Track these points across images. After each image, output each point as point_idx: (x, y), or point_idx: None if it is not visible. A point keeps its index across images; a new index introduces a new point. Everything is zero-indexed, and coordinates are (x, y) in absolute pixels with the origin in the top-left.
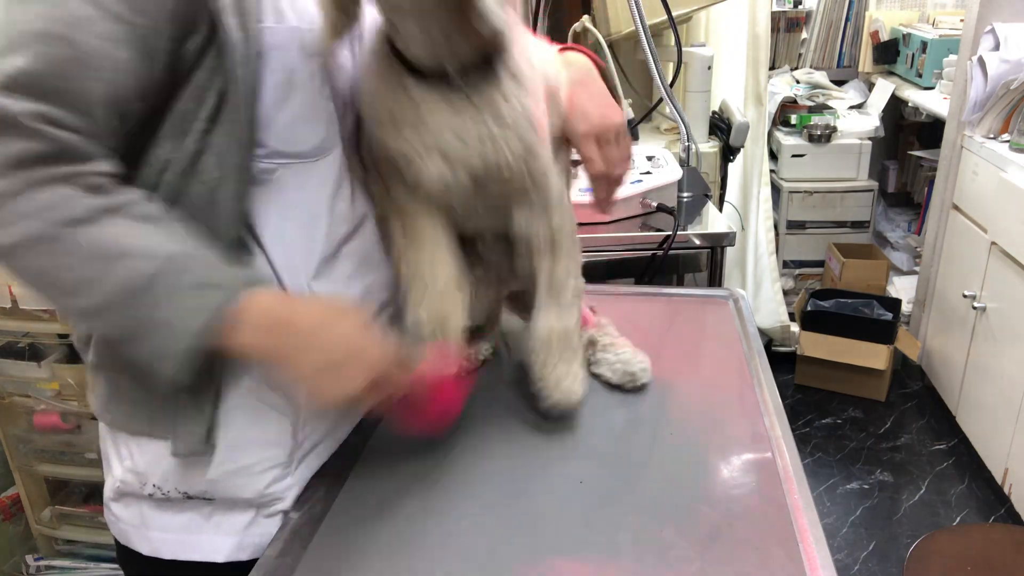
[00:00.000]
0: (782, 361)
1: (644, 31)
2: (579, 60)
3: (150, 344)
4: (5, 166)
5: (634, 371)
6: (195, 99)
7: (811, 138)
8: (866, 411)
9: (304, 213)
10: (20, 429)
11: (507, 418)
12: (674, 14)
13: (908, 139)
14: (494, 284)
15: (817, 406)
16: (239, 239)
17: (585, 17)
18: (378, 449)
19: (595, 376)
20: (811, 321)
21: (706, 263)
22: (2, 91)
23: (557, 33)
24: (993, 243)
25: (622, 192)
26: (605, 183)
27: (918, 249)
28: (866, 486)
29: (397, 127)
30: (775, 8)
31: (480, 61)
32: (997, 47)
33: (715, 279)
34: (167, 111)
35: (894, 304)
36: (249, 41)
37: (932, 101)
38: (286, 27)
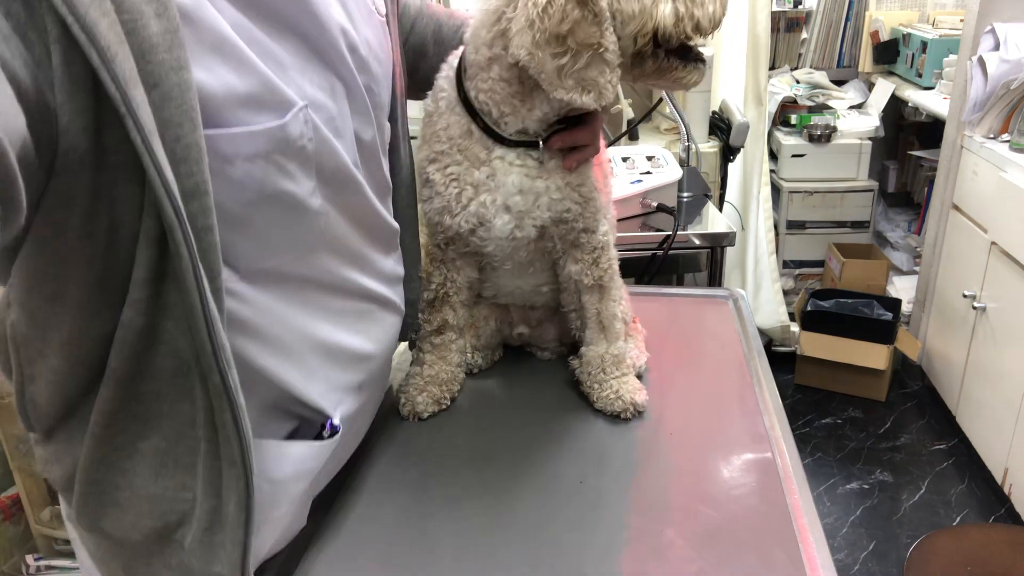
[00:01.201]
0: (782, 361)
1: None
2: None
3: None
4: None
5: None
6: (119, 257)
7: (811, 138)
8: (866, 411)
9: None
10: (20, 429)
11: (505, 420)
12: None
13: (908, 139)
14: (509, 315)
15: (817, 406)
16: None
17: None
18: (374, 450)
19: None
20: (811, 321)
21: (706, 263)
22: None
23: None
24: (993, 243)
25: (622, 192)
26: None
27: (918, 249)
28: (866, 486)
29: (478, 193)
30: (775, 8)
31: (559, 121)
32: (997, 47)
33: (715, 279)
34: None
35: (894, 304)
36: (188, 171)
37: (932, 101)
38: (265, 130)
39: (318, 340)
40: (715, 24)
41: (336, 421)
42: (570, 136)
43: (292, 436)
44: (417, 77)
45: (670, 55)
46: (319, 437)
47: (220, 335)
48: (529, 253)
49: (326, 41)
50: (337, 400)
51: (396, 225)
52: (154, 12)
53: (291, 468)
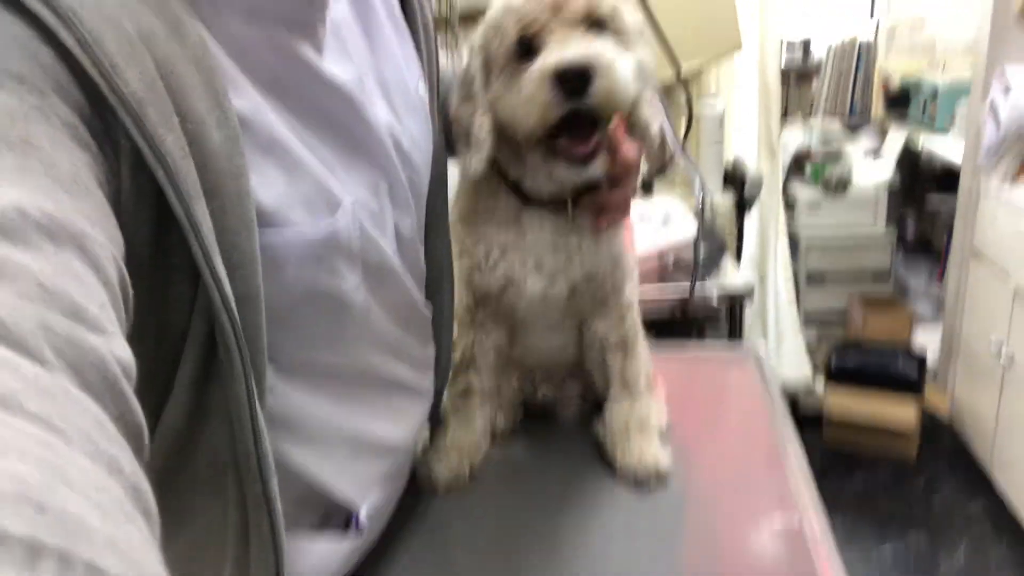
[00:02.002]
0: (808, 420)
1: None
2: None
3: None
4: None
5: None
6: (166, 358)
7: (826, 188)
8: (897, 470)
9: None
10: None
11: (527, 487)
12: (683, 67)
13: (925, 186)
14: (532, 375)
15: (846, 465)
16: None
17: None
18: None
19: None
20: (836, 376)
21: (726, 317)
22: None
23: None
24: (1017, 289)
25: (638, 247)
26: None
27: (941, 297)
28: (900, 550)
29: (505, 254)
30: (784, 61)
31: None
32: (1008, 91)
33: (735, 332)
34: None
35: (919, 357)
36: (242, 276)
37: (947, 147)
38: (321, 232)
39: (349, 431)
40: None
41: (363, 516)
42: (603, 199)
43: (316, 528)
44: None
45: (558, 152)
46: (345, 528)
47: (265, 442)
48: (558, 312)
49: (372, 141)
50: (364, 492)
51: (428, 312)
52: (216, 122)
53: (314, 564)
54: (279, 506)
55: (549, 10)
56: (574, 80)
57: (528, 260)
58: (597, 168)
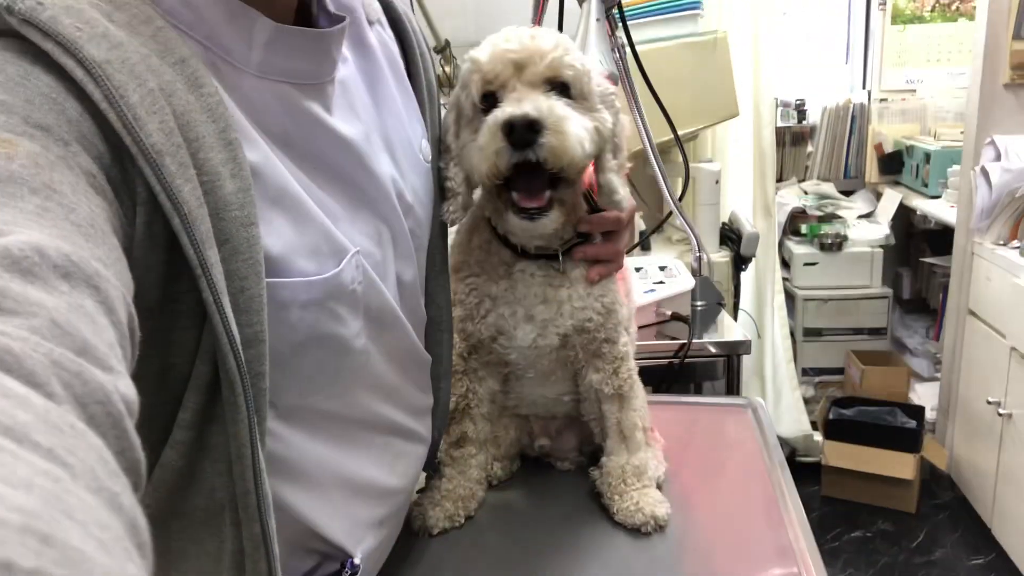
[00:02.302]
0: (807, 472)
1: (652, 149)
2: None
3: None
4: None
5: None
6: (166, 400)
7: (822, 247)
8: (897, 523)
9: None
10: None
11: (523, 536)
12: (680, 133)
13: (919, 246)
14: (529, 426)
15: (845, 518)
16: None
17: None
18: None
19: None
20: (834, 430)
21: (723, 371)
22: None
23: None
24: (1013, 348)
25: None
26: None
27: (937, 355)
28: None
29: (496, 305)
30: (779, 124)
31: (578, 234)
32: (998, 157)
33: (733, 387)
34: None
35: (918, 411)
36: (249, 320)
37: (940, 209)
38: (323, 280)
39: (345, 476)
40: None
41: (357, 560)
42: (593, 250)
43: (311, 571)
44: None
45: (512, 204)
46: (339, 572)
47: (265, 483)
48: (551, 362)
49: (377, 192)
50: (360, 537)
51: (428, 357)
52: (230, 173)
53: None
54: (276, 547)
55: (512, 68)
56: (522, 131)
57: (518, 311)
58: (550, 225)
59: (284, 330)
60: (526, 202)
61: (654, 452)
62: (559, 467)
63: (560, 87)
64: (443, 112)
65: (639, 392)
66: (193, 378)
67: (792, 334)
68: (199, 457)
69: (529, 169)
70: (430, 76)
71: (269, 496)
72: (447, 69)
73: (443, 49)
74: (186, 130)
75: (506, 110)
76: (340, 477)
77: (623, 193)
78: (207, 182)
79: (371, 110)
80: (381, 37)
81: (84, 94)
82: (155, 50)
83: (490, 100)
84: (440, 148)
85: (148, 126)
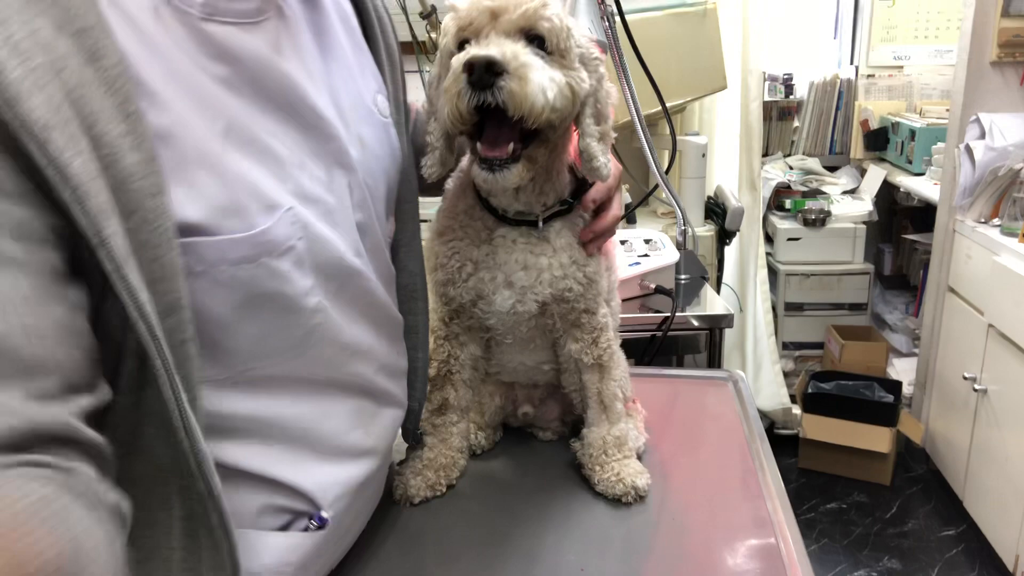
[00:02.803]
0: (785, 444)
1: (640, 121)
2: None
3: None
4: None
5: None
6: (108, 368)
7: (806, 222)
8: (871, 495)
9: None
10: None
11: (504, 504)
12: (668, 105)
13: (902, 223)
14: (513, 394)
15: (822, 490)
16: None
17: None
18: (367, 535)
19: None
20: (813, 403)
21: (705, 344)
22: None
23: None
24: (990, 325)
25: (621, 274)
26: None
27: (916, 331)
28: (874, 574)
29: (477, 269)
30: (767, 98)
31: (561, 203)
32: (982, 135)
33: (714, 360)
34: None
35: (895, 386)
36: (163, 288)
37: (923, 186)
38: (247, 237)
39: (315, 436)
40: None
41: (325, 514)
42: (590, 231)
43: (282, 527)
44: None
45: (476, 154)
46: (306, 529)
47: (200, 442)
48: (530, 329)
49: (325, 131)
50: (334, 495)
51: (400, 316)
52: (130, 145)
53: (272, 559)
54: (224, 502)
55: (487, 15)
56: (481, 72)
57: (498, 276)
58: (512, 178)
59: (221, 292)
60: (488, 151)
61: (636, 423)
62: (541, 437)
63: (536, 40)
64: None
65: (620, 363)
66: (125, 346)
67: (774, 308)
68: (140, 422)
69: (496, 120)
70: (389, 39)
71: (208, 454)
72: (433, 36)
73: (429, 15)
74: (79, 104)
75: (470, 51)
76: (310, 437)
77: (603, 160)
78: (106, 155)
79: (317, 58)
80: None
81: None
82: (52, 17)
83: (462, 47)
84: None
85: (30, 101)
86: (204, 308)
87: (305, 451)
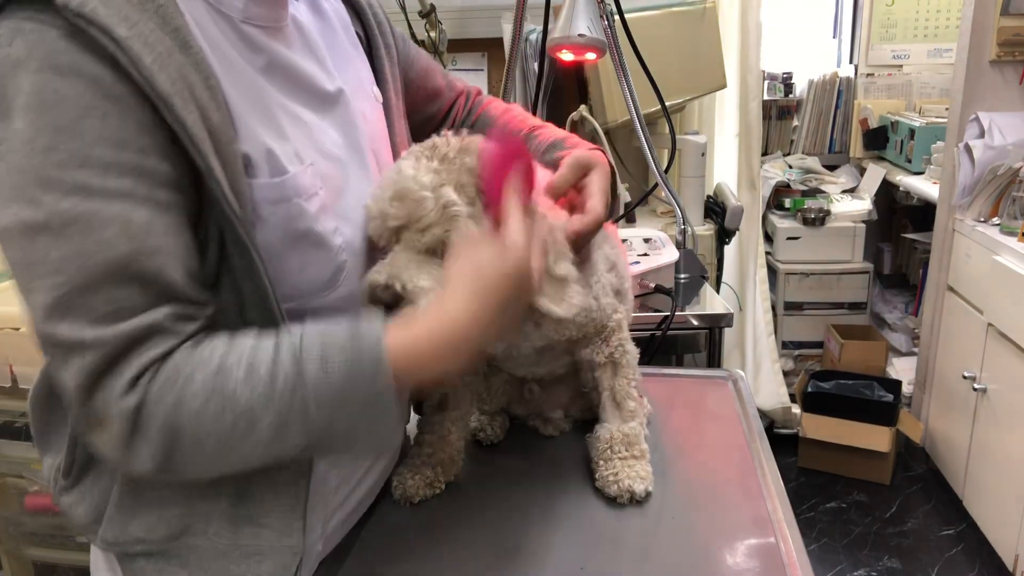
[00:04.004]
0: (784, 443)
1: (639, 120)
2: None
3: (346, 428)
4: (93, 387)
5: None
6: (201, 256)
7: (805, 221)
8: (871, 494)
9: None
10: (11, 511)
11: (505, 501)
12: (667, 104)
13: (901, 222)
14: (517, 380)
15: (821, 489)
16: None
17: (583, 107)
18: (364, 534)
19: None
20: (812, 402)
21: (705, 343)
22: (48, 320)
23: (555, 122)
24: (990, 324)
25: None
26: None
27: (916, 330)
28: (874, 573)
29: None
30: (766, 97)
31: None
32: (982, 134)
33: (714, 359)
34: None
35: (894, 385)
36: (241, 201)
37: (922, 185)
38: (280, 181)
39: None
40: None
41: None
42: (576, 227)
43: None
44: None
45: None
46: None
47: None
48: (535, 355)
49: (336, 102)
50: None
51: None
52: (215, 107)
53: None
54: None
55: (392, 233)
56: (376, 297)
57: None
58: None
59: (266, 227)
60: None
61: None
62: (543, 431)
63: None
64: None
65: (632, 361)
66: (211, 236)
67: (773, 307)
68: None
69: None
70: (388, 39)
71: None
72: (432, 35)
73: (428, 14)
74: (184, 80)
75: (369, 274)
76: None
77: (561, 309)
78: (202, 114)
79: (325, 55)
80: (334, 6)
81: (117, 62)
82: (157, 23)
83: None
84: None
85: (159, 77)
86: (256, 240)
87: None
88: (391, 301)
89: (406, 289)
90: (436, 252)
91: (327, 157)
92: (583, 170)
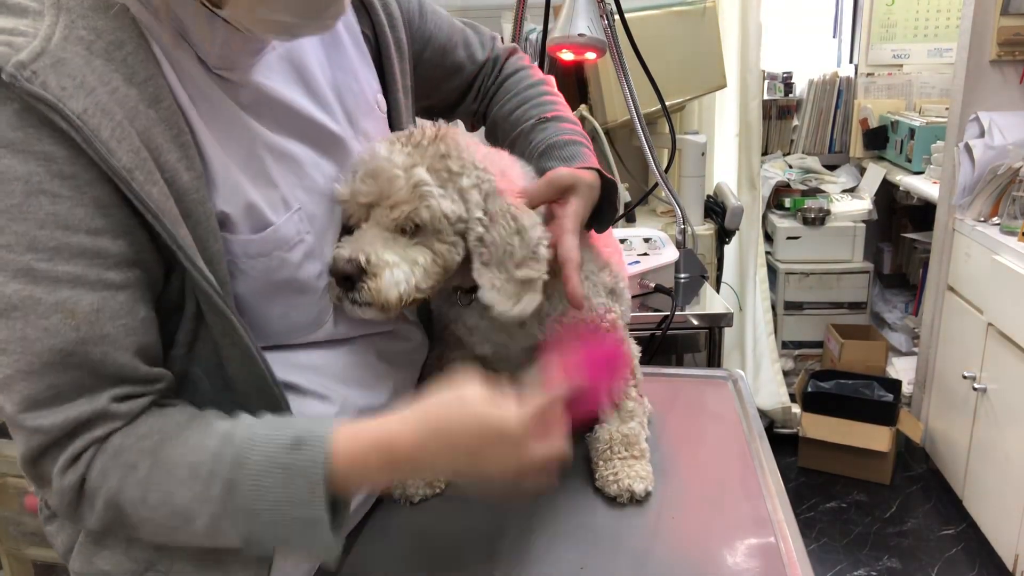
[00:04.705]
0: (784, 443)
1: (639, 120)
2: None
3: (280, 536)
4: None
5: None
6: (171, 321)
7: (805, 221)
8: (871, 494)
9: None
10: (11, 511)
11: (506, 502)
12: (667, 103)
13: (901, 221)
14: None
15: (821, 489)
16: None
17: (583, 106)
18: (365, 535)
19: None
20: (812, 402)
21: (705, 343)
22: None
23: None
24: (990, 324)
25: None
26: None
27: (916, 330)
28: (874, 573)
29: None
30: (766, 96)
31: None
32: (982, 134)
33: (714, 359)
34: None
35: (894, 385)
36: (215, 261)
37: (922, 185)
38: (260, 237)
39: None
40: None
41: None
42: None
43: None
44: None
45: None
46: None
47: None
48: (526, 356)
49: (332, 135)
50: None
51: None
52: (184, 167)
53: None
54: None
55: (364, 210)
56: (340, 275)
57: (475, 336)
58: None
59: (244, 278)
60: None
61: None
62: None
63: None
64: None
65: (631, 361)
66: (186, 308)
67: (773, 307)
68: (190, 363)
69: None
70: (398, 32)
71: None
72: None
73: None
74: (148, 142)
75: (336, 250)
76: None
77: (505, 306)
78: (169, 178)
79: (325, 66)
80: None
81: (72, 139)
82: (123, 76)
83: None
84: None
85: (118, 152)
86: (235, 291)
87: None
88: (355, 273)
89: (370, 262)
90: (405, 231)
91: (318, 195)
92: (559, 192)
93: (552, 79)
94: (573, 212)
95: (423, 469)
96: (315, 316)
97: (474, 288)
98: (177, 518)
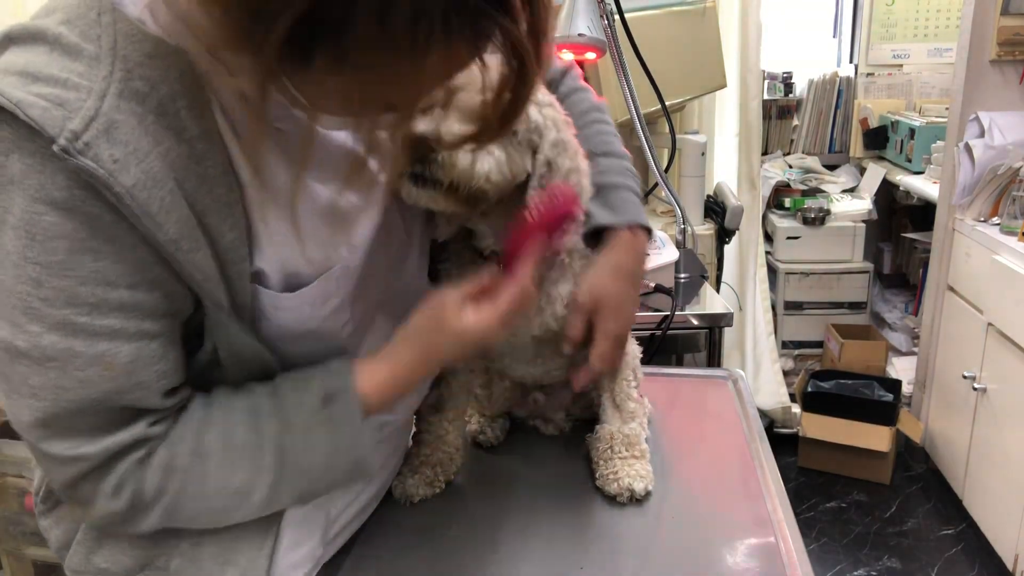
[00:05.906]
0: (784, 443)
1: (639, 120)
2: (624, 242)
3: (332, 480)
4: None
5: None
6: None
7: (805, 220)
8: (871, 494)
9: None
10: (11, 511)
11: (505, 500)
12: (667, 103)
13: (901, 221)
14: (519, 387)
15: (821, 489)
16: None
17: None
18: (364, 534)
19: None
20: (812, 402)
21: (705, 343)
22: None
23: None
24: (990, 324)
25: None
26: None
27: (916, 330)
28: (874, 573)
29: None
30: (766, 96)
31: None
32: (982, 134)
33: (714, 359)
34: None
35: (894, 385)
36: (243, 307)
37: (922, 185)
38: (293, 295)
39: None
40: None
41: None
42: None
43: None
44: None
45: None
46: None
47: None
48: (532, 348)
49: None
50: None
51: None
52: (228, 227)
53: None
54: None
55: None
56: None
57: None
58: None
59: (272, 324)
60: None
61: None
62: (543, 431)
63: None
64: None
65: (632, 362)
66: (204, 348)
67: (773, 307)
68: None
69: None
70: None
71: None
72: None
73: None
74: (195, 204)
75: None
76: None
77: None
78: (212, 240)
79: None
80: None
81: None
82: (176, 130)
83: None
84: None
85: (166, 225)
86: (270, 340)
87: None
88: (433, 139)
89: (447, 136)
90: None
91: (358, 246)
92: (585, 316)
93: (605, 101)
94: (607, 346)
95: (432, 368)
96: (337, 351)
97: (493, 252)
98: (236, 498)
